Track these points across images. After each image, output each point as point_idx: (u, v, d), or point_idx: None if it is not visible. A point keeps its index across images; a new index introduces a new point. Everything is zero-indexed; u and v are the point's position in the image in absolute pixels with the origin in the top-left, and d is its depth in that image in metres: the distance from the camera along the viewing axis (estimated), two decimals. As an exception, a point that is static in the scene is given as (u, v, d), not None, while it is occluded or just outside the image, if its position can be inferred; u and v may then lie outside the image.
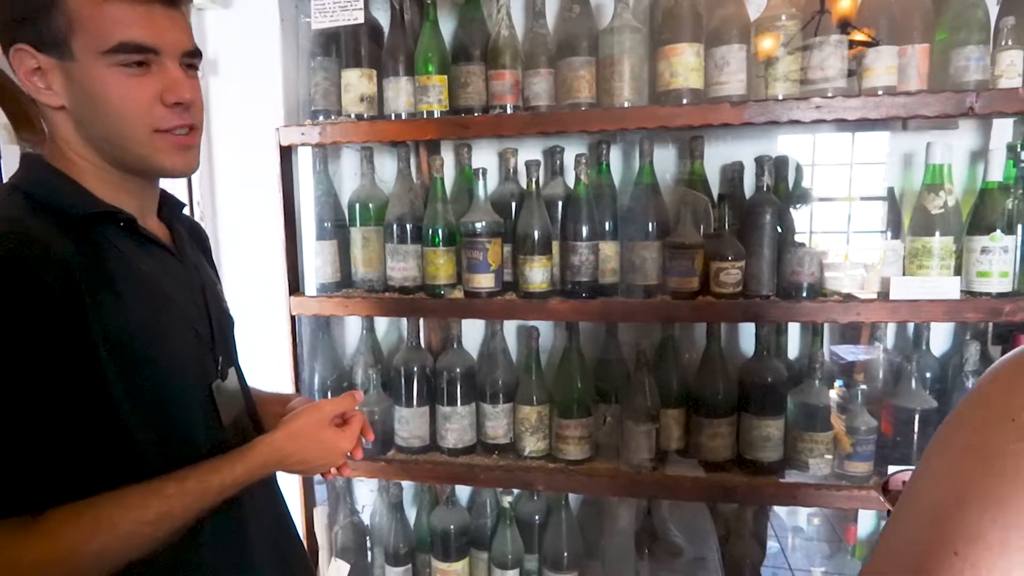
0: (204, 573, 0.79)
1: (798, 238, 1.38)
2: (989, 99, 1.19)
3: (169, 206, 0.88)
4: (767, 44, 1.30)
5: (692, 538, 1.58)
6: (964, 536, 0.37)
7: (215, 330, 0.85)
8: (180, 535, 0.73)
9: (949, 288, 1.28)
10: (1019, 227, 1.28)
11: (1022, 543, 0.36)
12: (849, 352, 1.53)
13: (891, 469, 0.90)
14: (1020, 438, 0.37)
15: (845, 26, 1.38)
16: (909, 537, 0.41)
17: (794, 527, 1.57)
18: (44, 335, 0.63)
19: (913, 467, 0.82)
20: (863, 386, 1.43)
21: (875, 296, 1.32)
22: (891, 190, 1.45)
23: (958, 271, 1.32)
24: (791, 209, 1.41)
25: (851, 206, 1.52)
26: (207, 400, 0.81)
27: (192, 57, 0.78)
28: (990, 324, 1.41)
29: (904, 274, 1.33)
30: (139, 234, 0.77)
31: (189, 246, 0.88)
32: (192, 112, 0.76)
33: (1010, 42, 1.23)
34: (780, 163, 1.44)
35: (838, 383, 1.53)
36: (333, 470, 0.93)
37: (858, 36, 1.36)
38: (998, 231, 1.27)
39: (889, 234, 1.42)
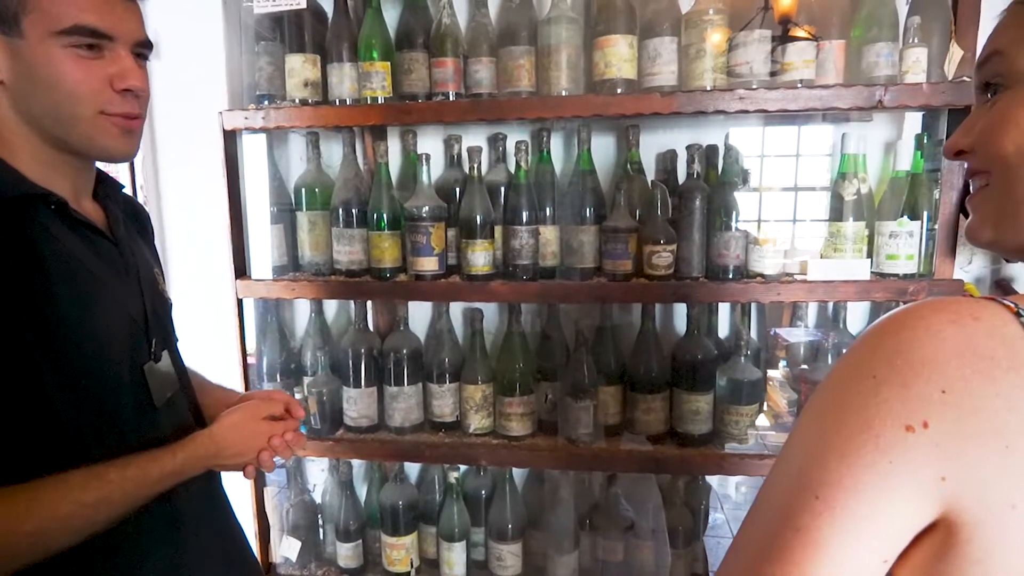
0: (138, 546, 0.83)
1: (729, 223, 1.45)
2: (896, 93, 1.28)
3: (105, 186, 0.89)
4: (695, 37, 1.36)
5: (637, 509, 1.66)
6: (824, 482, 0.42)
7: (148, 312, 0.87)
8: (118, 522, 0.76)
9: (860, 270, 1.37)
10: (924, 213, 1.38)
11: (871, 487, 0.41)
12: (792, 334, 1.63)
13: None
14: (877, 392, 0.41)
15: (787, 22, 1.45)
16: (780, 490, 0.45)
17: (723, 495, 1.67)
18: None
19: None
20: (784, 363, 1.53)
21: (794, 278, 1.41)
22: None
23: (871, 254, 1.42)
24: (730, 195, 1.47)
25: (797, 195, 1.61)
26: (139, 381, 0.83)
27: (144, 48, 0.81)
28: (900, 303, 1.51)
29: (821, 257, 1.42)
30: (71, 217, 0.79)
31: (125, 228, 0.89)
32: (140, 101, 0.80)
33: (916, 40, 1.31)
34: (711, 151, 1.52)
35: (782, 363, 1.63)
36: (249, 469, 0.93)
37: (799, 32, 1.43)
38: (905, 217, 1.36)
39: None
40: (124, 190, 0.96)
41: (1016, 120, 0.46)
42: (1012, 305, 0.42)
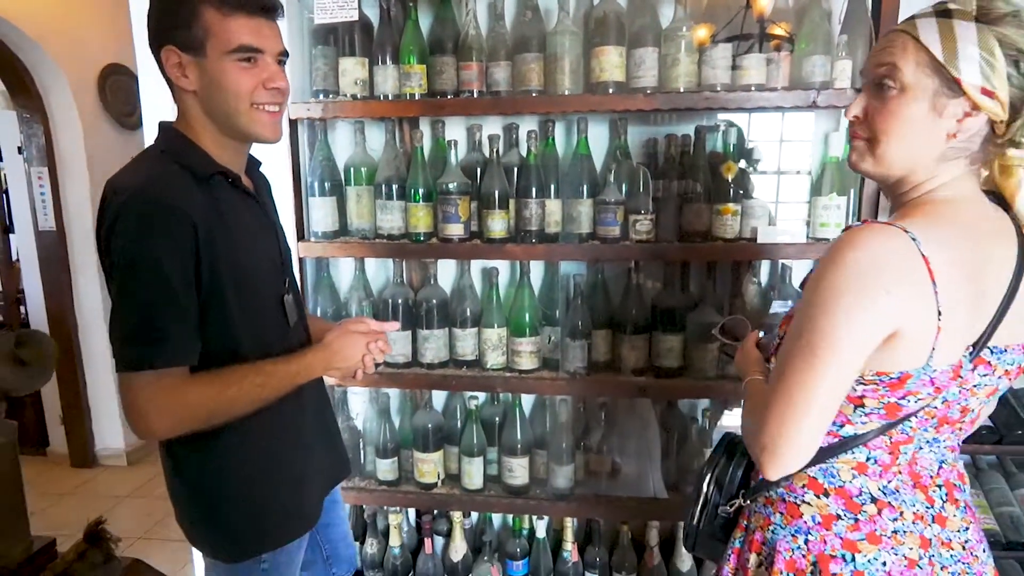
0: (278, 425, 1.17)
1: (699, 197, 1.80)
2: (827, 96, 1.64)
3: (252, 165, 1.23)
4: (672, 48, 1.71)
5: (623, 431, 2.03)
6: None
7: (283, 258, 1.22)
8: (268, 404, 1.10)
9: (798, 234, 1.74)
10: (851, 191, 1.75)
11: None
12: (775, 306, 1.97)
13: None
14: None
15: (763, 21, 1.79)
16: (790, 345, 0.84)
17: (691, 417, 2.05)
18: (194, 253, 1.00)
19: (737, 316, 1.25)
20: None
21: (747, 241, 1.78)
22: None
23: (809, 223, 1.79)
24: (699, 175, 1.81)
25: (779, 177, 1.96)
26: (279, 307, 1.18)
27: (283, 55, 1.11)
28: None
29: (770, 224, 1.79)
30: (239, 187, 1.13)
31: (264, 195, 1.24)
32: (282, 94, 1.10)
33: (844, 54, 1.67)
34: (685, 139, 1.87)
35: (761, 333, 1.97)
36: (359, 373, 1.26)
37: (777, 31, 1.77)
38: (834, 193, 1.73)
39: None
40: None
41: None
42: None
